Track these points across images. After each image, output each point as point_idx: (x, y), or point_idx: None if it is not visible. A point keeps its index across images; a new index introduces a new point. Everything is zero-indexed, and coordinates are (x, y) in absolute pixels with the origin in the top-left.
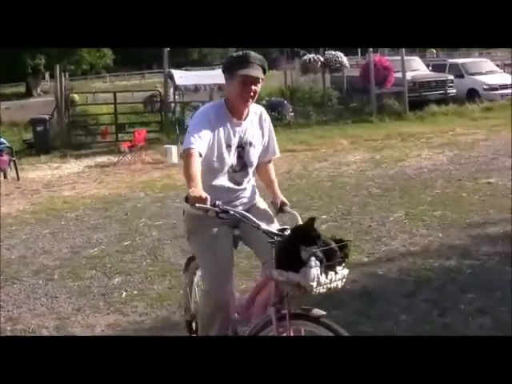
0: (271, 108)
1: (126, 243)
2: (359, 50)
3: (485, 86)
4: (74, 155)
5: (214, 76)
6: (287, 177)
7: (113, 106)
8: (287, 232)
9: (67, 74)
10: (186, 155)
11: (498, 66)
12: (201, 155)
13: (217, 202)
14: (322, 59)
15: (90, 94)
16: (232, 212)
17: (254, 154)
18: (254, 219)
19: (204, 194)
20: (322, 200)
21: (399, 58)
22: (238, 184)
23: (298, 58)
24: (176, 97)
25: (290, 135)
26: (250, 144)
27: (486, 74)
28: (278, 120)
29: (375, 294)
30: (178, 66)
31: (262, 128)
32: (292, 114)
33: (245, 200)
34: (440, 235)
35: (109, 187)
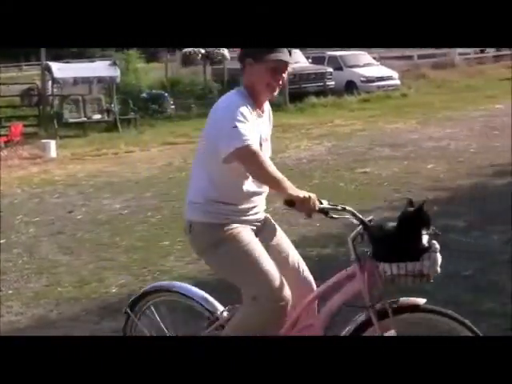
0: (152, 100)
1: (0, 241)
2: None
3: (362, 78)
4: None
5: (94, 68)
6: (167, 170)
7: None
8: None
9: None
10: (253, 155)
11: (374, 58)
12: None
13: (322, 201)
14: (202, 51)
15: None
16: (340, 208)
17: (269, 151)
18: (360, 215)
19: (308, 193)
20: None
21: None
22: (261, 186)
23: (179, 50)
24: (54, 90)
25: (171, 128)
26: (266, 139)
27: (364, 66)
28: (159, 113)
29: None
30: (59, 59)
31: (270, 121)
32: (173, 106)
33: (264, 205)
34: (318, 224)
35: None
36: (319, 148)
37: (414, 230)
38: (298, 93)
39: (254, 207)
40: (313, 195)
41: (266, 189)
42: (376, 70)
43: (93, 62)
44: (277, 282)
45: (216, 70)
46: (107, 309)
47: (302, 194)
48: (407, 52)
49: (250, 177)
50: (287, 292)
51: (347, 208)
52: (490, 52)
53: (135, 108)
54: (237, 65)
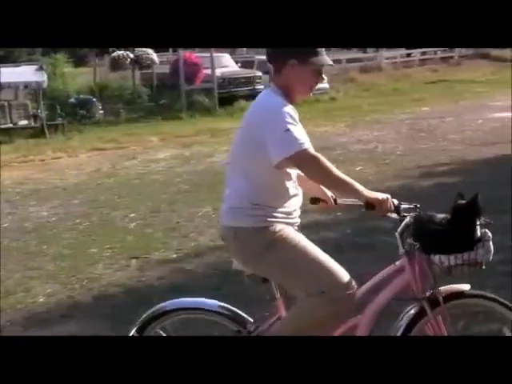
0: (80, 106)
1: None
2: None
3: None
4: None
5: (20, 73)
6: (95, 176)
7: None
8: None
9: None
10: (314, 159)
11: None
12: None
13: (395, 201)
14: (131, 56)
15: None
16: (413, 206)
17: None
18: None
19: (383, 194)
20: (131, 198)
21: (209, 54)
22: (298, 188)
23: (107, 54)
24: None
25: (99, 133)
26: None
27: None
28: (87, 118)
29: (183, 290)
30: None
31: None
32: (101, 111)
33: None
34: None
35: None
36: None
37: (469, 221)
38: (227, 97)
39: (295, 210)
40: (388, 196)
41: (301, 191)
42: None
43: (18, 66)
44: (340, 272)
45: (145, 75)
46: (32, 319)
47: (379, 195)
48: (336, 56)
49: (292, 179)
50: (351, 279)
51: (417, 205)
52: (416, 56)
53: (63, 113)
54: (166, 69)
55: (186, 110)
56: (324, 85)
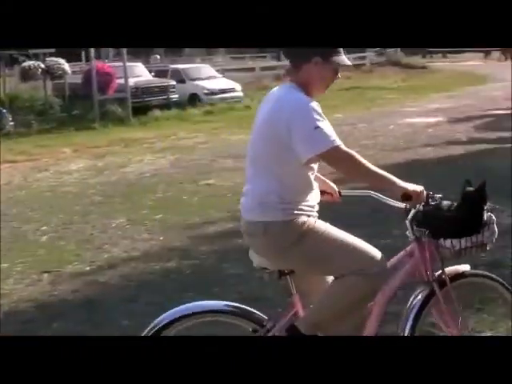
0: None
1: None
2: (83, 55)
3: (205, 91)
4: None
5: None
6: (6, 189)
7: None
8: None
9: None
10: (348, 154)
11: (217, 71)
12: None
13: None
14: (42, 66)
15: None
16: (439, 196)
17: None
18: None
19: (416, 185)
20: (43, 210)
21: (122, 64)
22: (315, 181)
23: (17, 64)
24: None
25: (10, 145)
26: None
27: (207, 79)
28: None
29: (97, 303)
30: None
31: None
32: (12, 123)
33: None
34: (161, 238)
35: None
36: (162, 161)
37: (478, 206)
38: (141, 106)
39: (316, 202)
40: (422, 187)
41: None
42: (219, 82)
43: None
44: (372, 249)
45: (57, 85)
46: None
47: (414, 187)
48: (249, 64)
49: (314, 173)
50: (383, 255)
51: (441, 196)
52: None
53: None
54: (78, 79)
55: (99, 120)
56: (238, 93)
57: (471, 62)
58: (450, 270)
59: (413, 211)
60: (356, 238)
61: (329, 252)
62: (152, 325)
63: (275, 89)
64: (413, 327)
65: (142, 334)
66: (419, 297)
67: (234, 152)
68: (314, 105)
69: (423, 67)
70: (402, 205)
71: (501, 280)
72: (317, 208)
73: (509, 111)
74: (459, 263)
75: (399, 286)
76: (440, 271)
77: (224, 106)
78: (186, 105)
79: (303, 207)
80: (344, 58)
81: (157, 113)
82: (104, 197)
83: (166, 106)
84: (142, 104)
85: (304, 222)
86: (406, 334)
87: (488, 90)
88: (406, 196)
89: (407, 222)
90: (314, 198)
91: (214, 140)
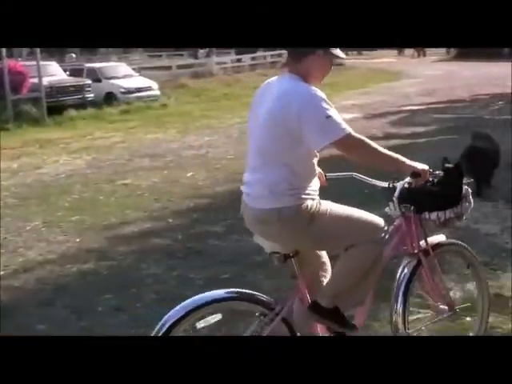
0: None
1: None
2: None
3: (122, 90)
4: None
5: None
6: None
7: None
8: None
9: None
10: (360, 141)
11: (134, 69)
12: None
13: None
14: None
15: None
16: (439, 172)
17: None
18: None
19: (421, 164)
20: None
21: (35, 63)
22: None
23: None
24: None
25: None
26: None
27: (123, 77)
28: None
29: (12, 307)
30: None
31: None
32: None
33: None
34: (78, 240)
35: None
36: (78, 162)
37: (458, 180)
38: (56, 106)
39: (318, 186)
40: (427, 166)
41: None
42: (135, 80)
43: None
44: (375, 217)
45: None
46: None
47: (423, 166)
48: (166, 62)
49: (316, 160)
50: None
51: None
52: (246, 61)
53: None
54: None
55: (12, 120)
56: (155, 92)
57: (385, 58)
58: (431, 239)
59: (398, 188)
60: (357, 209)
61: (338, 227)
62: (160, 324)
63: (273, 80)
64: (404, 302)
65: (152, 334)
66: (406, 270)
67: (151, 151)
68: (322, 94)
69: (339, 64)
70: (384, 184)
71: (469, 247)
72: (317, 193)
73: (422, 107)
74: (433, 234)
75: (390, 255)
76: (423, 242)
77: (141, 105)
78: (102, 104)
79: (310, 191)
80: (339, 51)
81: (72, 112)
82: (18, 199)
83: (82, 105)
84: (57, 104)
85: (312, 205)
86: (399, 307)
87: (401, 86)
88: (415, 174)
89: (394, 198)
90: (316, 182)
91: (131, 139)
